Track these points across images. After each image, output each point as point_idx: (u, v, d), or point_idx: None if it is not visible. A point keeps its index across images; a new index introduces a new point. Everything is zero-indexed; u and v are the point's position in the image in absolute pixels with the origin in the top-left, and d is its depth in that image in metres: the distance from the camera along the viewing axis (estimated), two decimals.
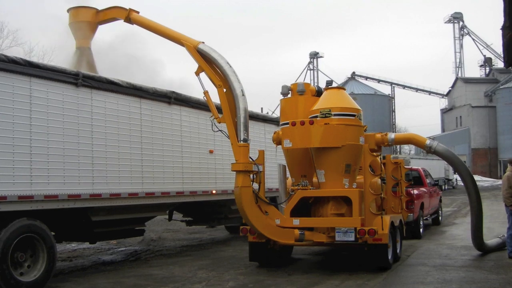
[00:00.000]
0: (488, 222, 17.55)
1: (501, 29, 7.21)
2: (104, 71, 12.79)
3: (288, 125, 10.86)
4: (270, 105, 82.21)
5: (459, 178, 13.79)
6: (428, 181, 18.30)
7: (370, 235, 9.91)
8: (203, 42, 11.58)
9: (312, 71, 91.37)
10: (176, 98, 12.74)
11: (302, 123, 10.59)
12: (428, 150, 12.01)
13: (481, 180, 58.93)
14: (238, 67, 11.33)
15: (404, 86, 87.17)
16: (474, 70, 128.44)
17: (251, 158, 10.68)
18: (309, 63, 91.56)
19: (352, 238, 10.05)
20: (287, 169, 11.45)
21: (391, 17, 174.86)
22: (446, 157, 12.22)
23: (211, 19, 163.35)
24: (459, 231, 17.10)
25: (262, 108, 44.40)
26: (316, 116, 10.66)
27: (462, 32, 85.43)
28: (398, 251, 11.26)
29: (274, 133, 11.67)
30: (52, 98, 9.57)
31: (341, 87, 12.06)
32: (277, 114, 25.57)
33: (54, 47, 33.39)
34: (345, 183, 10.67)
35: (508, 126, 71.93)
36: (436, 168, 43.82)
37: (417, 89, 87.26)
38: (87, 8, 13.51)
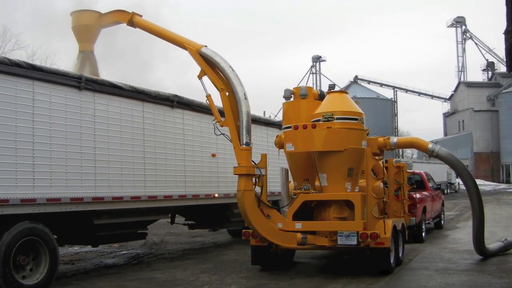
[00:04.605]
0: (490, 226, 17.52)
1: (504, 33, 7.23)
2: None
3: (290, 129, 10.86)
4: (273, 108, 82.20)
5: (461, 182, 13.75)
6: (430, 185, 18.28)
7: (372, 239, 9.90)
8: (205, 46, 11.59)
9: (314, 75, 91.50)
10: (179, 102, 12.76)
11: (305, 126, 10.58)
12: (431, 154, 12.00)
13: (483, 184, 58.92)
14: (240, 70, 11.35)
15: (406, 90, 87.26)
16: (476, 74, 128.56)
17: (254, 162, 10.67)
18: (312, 66, 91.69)
19: (354, 242, 10.03)
20: (289, 172, 11.44)
21: (393, 21, 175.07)
22: (448, 161, 12.21)
23: (209, 21, 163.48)
24: (462, 235, 17.05)
25: (264, 112, 44.33)
26: (319, 120, 10.67)
27: (464, 36, 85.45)
28: (400, 255, 11.23)
29: (277, 137, 11.66)
30: (55, 102, 9.58)
31: (343, 91, 12.07)
32: (279, 117, 25.57)
33: (57, 50, 33.50)
34: (348, 186, 10.66)
35: (510, 130, 71.89)
36: (439, 172, 43.74)
37: (419, 93, 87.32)
38: (90, 12, 13.54)
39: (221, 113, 11.22)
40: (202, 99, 12.07)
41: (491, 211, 24.85)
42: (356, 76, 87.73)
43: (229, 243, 16.74)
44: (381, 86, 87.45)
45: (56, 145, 9.50)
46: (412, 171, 18.18)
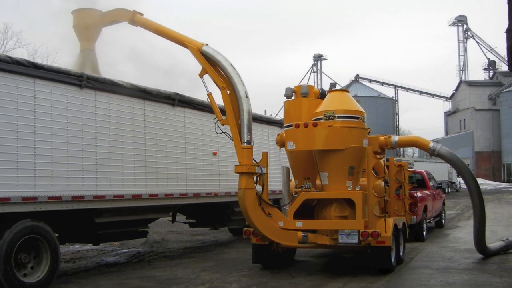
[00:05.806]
0: (491, 225, 17.51)
1: (505, 32, 7.21)
2: None
3: (291, 127, 10.86)
4: (274, 107, 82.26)
5: (462, 181, 13.80)
6: (431, 184, 18.28)
7: (373, 237, 9.89)
8: (207, 44, 11.58)
9: (316, 74, 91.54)
10: (180, 100, 12.76)
11: (306, 125, 10.58)
12: (432, 153, 11.99)
13: (484, 184, 58.86)
14: (241, 69, 11.34)
15: (407, 89, 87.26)
16: (478, 73, 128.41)
17: (255, 160, 10.67)
18: (313, 65, 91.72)
19: (355, 241, 10.03)
20: (290, 171, 11.45)
21: (394, 20, 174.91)
22: (449, 160, 12.20)
23: (209, 21, 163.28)
24: (462, 234, 17.05)
25: (265, 110, 44.41)
26: (320, 119, 10.66)
27: (466, 35, 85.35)
28: (401, 253, 11.23)
29: (278, 135, 11.66)
30: (56, 100, 9.59)
31: (344, 90, 12.04)
32: (280, 116, 25.57)
33: (58, 48, 33.53)
34: (349, 185, 10.66)
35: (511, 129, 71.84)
36: (440, 171, 43.74)
37: (420, 92, 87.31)
38: (92, 10, 13.54)
39: (222, 111, 11.22)
40: (203, 97, 12.05)
41: (492, 210, 24.84)
42: (357, 75, 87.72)
43: (230, 242, 16.75)
44: (382, 85, 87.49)
45: (57, 143, 9.50)
46: (413, 170, 18.20)
